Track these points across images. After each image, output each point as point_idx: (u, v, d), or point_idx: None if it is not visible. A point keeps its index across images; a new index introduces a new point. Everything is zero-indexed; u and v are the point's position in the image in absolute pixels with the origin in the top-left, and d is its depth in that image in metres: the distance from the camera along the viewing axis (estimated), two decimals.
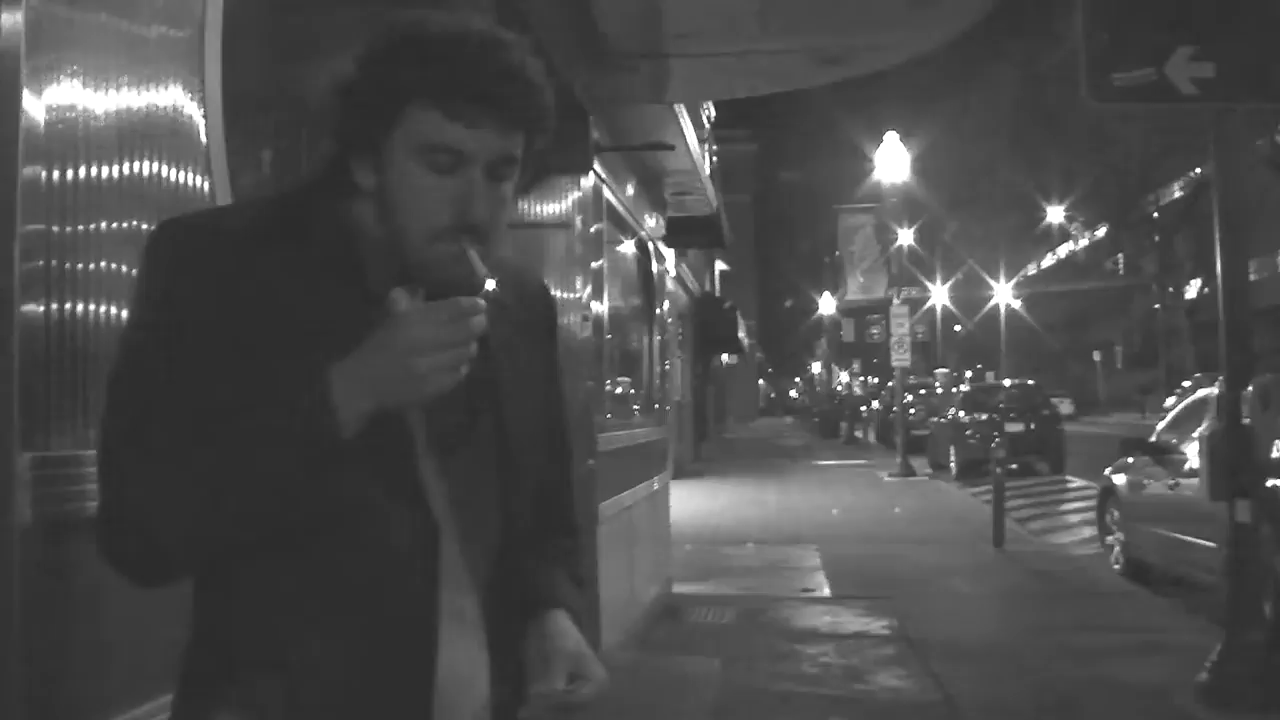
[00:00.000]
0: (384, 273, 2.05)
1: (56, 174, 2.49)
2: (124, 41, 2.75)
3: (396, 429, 1.99)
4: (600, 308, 9.57)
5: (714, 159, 19.12)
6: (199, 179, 3.04)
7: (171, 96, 2.93)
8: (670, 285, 19.95)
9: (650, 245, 13.28)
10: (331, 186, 2.09)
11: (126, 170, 2.74)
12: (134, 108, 2.78)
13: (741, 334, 48.07)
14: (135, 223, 2.76)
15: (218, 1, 3.17)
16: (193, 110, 3.03)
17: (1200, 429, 11.69)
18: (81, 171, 2.57)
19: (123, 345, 2.02)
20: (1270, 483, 8.73)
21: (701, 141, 14.43)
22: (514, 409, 2.23)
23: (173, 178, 2.92)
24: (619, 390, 11.37)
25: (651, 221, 13.31)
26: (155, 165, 2.85)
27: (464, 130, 1.96)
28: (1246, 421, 8.10)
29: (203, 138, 3.07)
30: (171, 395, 1.91)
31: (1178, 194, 55.17)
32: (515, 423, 2.22)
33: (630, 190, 11.59)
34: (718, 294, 47.31)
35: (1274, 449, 9.45)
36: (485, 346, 2.08)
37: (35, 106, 2.42)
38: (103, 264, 2.63)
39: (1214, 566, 9.34)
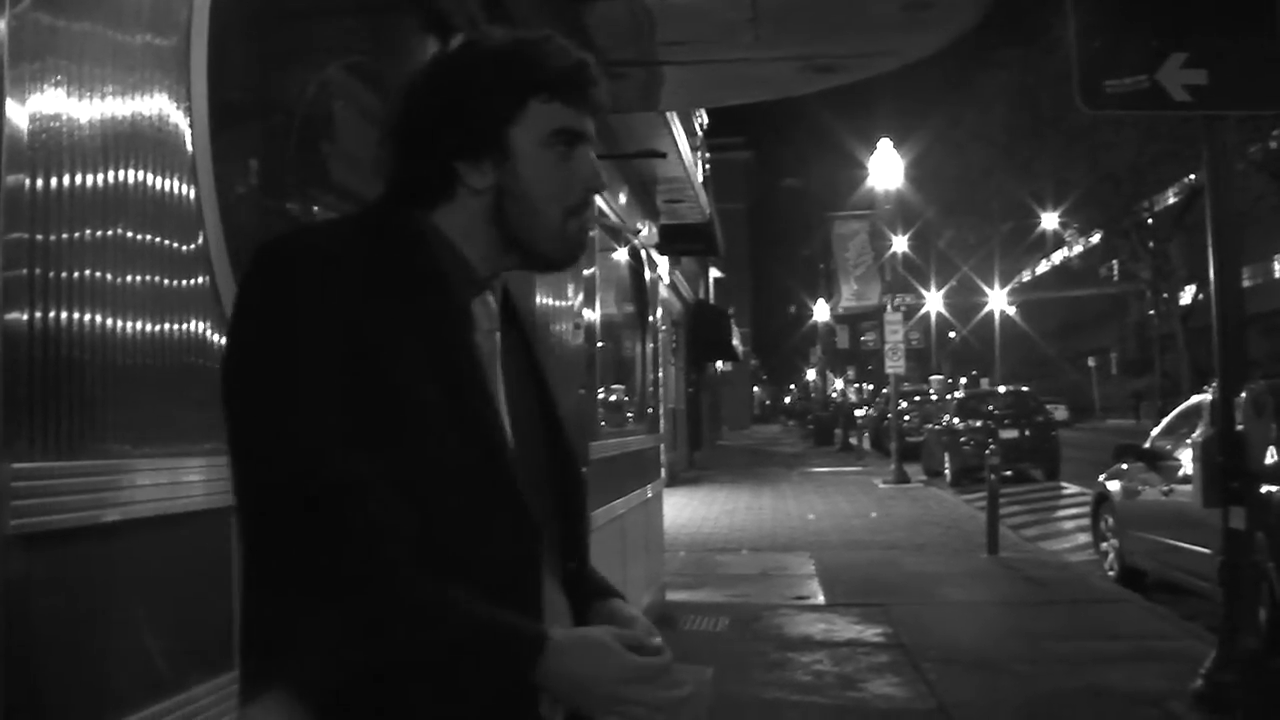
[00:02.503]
0: (463, 281, 2.19)
1: (40, 182, 2.47)
2: (109, 49, 2.74)
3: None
4: (592, 315, 9.55)
5: (707, 167, 19.14)
6: (185, 187, 3.03)
7: (157, 104, 2.92)
8: (664, 293, 19.97)
9: (643, 253, 13.27)
10: (409, 201, 2.21)
11: (111, 178, 2.72)
12: (119, 116, 2.76)
13: (736, 341, 48.10)
14: (120, 231, 2.74)
15: (204, 9, 3.16)
16: (179, 118, 3.02)
17: (1194, 435, 11.69)
18: (66, 180, 2.55)
19: (276, 380, 1.97)
20: (1264, 489, 8.72)
21: (694, 149, 14.42)
22: (561, 419, 2.42)
23: (158, 186, 2.91)
24: (612, 398, 11.35)
25: (644, 229, 13.30)
26: (141, 173, 2.84)
27: (581, 115, 2.22)
28: (1240, 428, 8.10)
29: (189, 146, 3.06)
30: (355, 419, 1.95)
31: (1172, 200, 55.26)
32: (564, 429, 2.42)
33: (622, 198, 11.58)
34: (712, 301, 47.31)
35: (1268, 455, 9.44)
36: (532, 357, 2.41)
37: (19, 114, 2.40)
38: (87, 273, 2.61)
39: (1208, 573, 9.33)
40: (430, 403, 2.01)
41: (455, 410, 2.05)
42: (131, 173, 2.80)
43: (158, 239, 2.89)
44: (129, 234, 2.77)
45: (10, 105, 2.38)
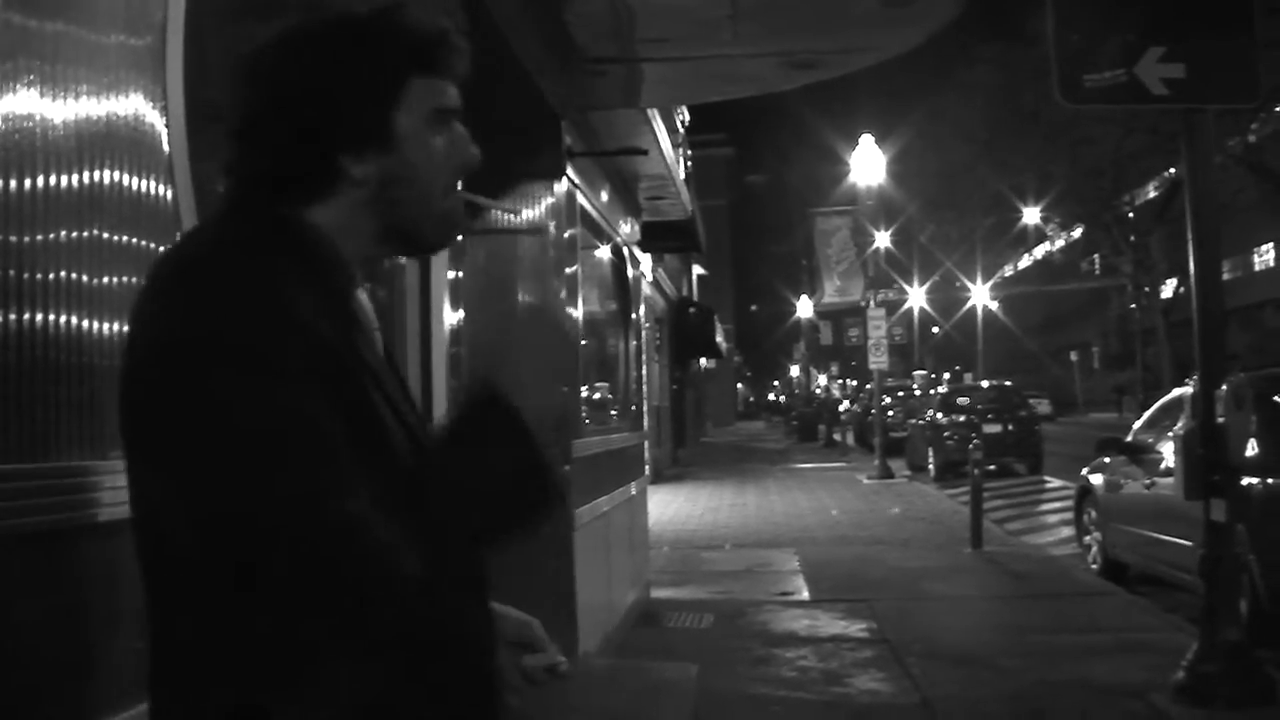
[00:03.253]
0: (339, 275, 2.06)
1: (14, 183, 2.46)
2: (83, 49, 2.73)
3: None
4: (575, 313, 9.54)
5: (689, 164, 19.12)
6: (161, 188, 3.01)
7: (132, 104, 2.91)
8: (647, 290, 19.96)
9: (625, 250, 13.27)
10: (279, 197, 2.04)
11: (86, 179, 2.71)
12: (94, 116, 2.75)
13: (719, 338, 48.10)
14: (95, 232, 2.73)
15: (179, 8, 3.15)
16: (154, 118, 3.01)
17: (1175, 428, 11.72)
18: (40, 180, 2.54)
19: (254, 409, 1.78)
20: (1244, 481, 8.74)
21: (676, 146, 14.41)
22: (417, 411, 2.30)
23: (134, 187, 2.90)
24: (595, 396, 11.34)
25: (626, 226, 13.29)
26: (116, 174, 2.82)
27: (455, 88, 2.12)
28: (1220, 421, 8.12)
29: (165, 146, 3.05)
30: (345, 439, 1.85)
31: (1153, 194, 55.41)
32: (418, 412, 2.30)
33: (604, 195, 11.57)
34: (695, 298, 47.32)
35: (1248, 448, 9.47)
36: (389, 348, 2.25)
37: None
38: (61, 274, 2.60)
39: (1190, 565, 9.35)
40: (381, 416, 1.96)
41: (396, 425, 2.00)
42: (107, 173, 2.79)
43: (134, 240, 2.87)
44: (105, 235, 2.76)
45: None
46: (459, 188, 2.16)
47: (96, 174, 2.75)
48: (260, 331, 1.79)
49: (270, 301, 1.81)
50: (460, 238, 6.37)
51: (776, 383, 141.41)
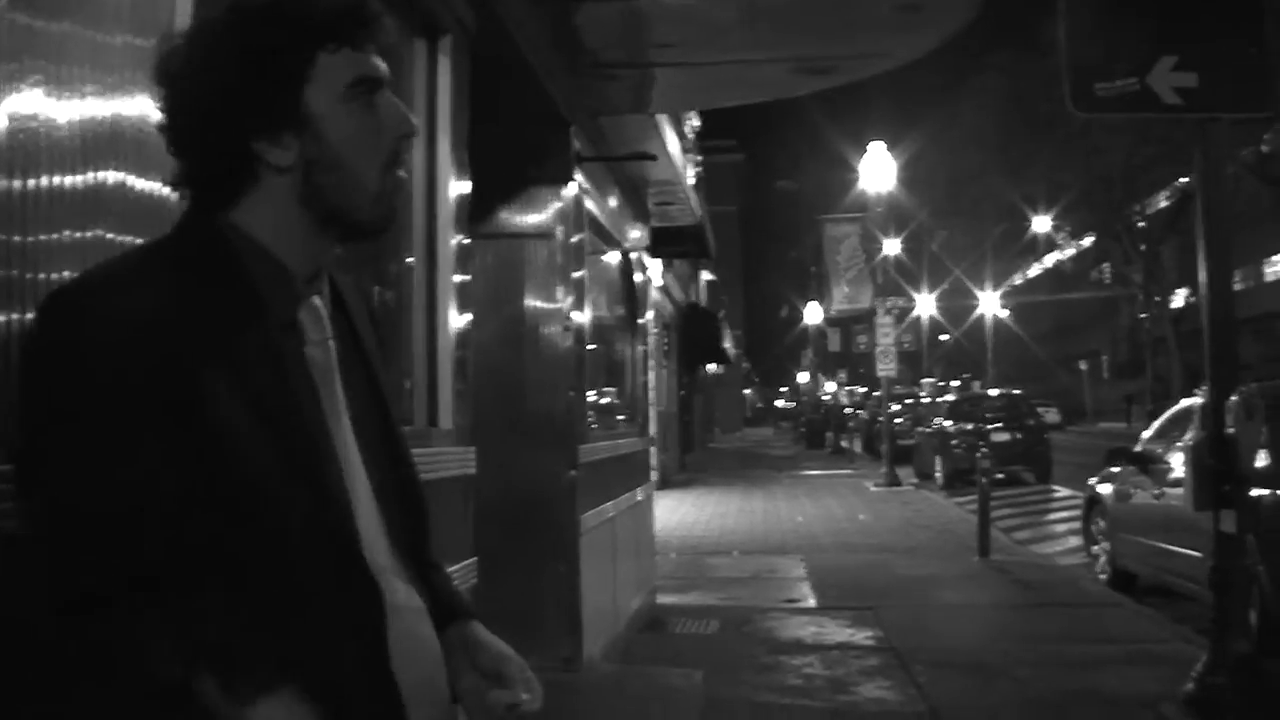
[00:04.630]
0: (282, 296, 1.99)
1: (17, 183, 2.43)
2: (89, 50, 2.70)
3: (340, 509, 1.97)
4: (582, 318, 9.53)
5: (699, 169, 19.10)
6: (166, 190, 2.98)
7: (138, 106, 2.88)
8: (655, 295, 19.94)
9: (633, 255, 13.25)
10: (208, 200, 2.00)
11: (91, 180, 2.69)
12: (99, 117, 2.73)
13: (727, 344, 48.12)
14: (100, 233, 2.71)
15: (186, 9, 3.12)
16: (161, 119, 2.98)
17: (1185, 438, 11.68)
18: (44, 181, 2.52)
19: (66, 463, 1.77)
20: (1254, 493, 8.70)
21: (685, 152, 14.39)
22: (393, 408, 2.25)
23: (139, 188, 2.87)
24: (602, 401, 11.32)
25: (635, 232, 13.28)
26: (121, 175, 2.80)
27: (371, 56, 1.99)
28: (1231, 431, 8.08)
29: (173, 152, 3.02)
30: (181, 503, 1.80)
31: (1164, 204, 55.33)
32: (396, 421, 2.24)
33: (613, 201, 11.56)
34: (703, 304, 47.29)
35: (1258, 459, 9.43)
36: (363, 354, 2.18)
37: None
38: (65, 274, 2.57)
39: (1199, 576, 9.31)
40: (250, 455, 1.84)
41: (282, 458, 1.87)
42: (111, 174, 2.77)
43: (139, 240, 2.84)
44: (109, 235, 2.73)
45: None
46: (395, 163, 2.04)
47: (102, 174, 2.73)
48: (96, 392, 1.77)
49: (121, 350, 1.78)
50: (468, 240, 6.35)
51: (785, 389, 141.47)
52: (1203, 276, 8.41)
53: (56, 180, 2.57)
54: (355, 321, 2.19)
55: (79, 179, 2.66)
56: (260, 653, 1.81)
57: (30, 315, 2.43)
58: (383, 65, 2.01)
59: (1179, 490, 10.92)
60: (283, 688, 1.79)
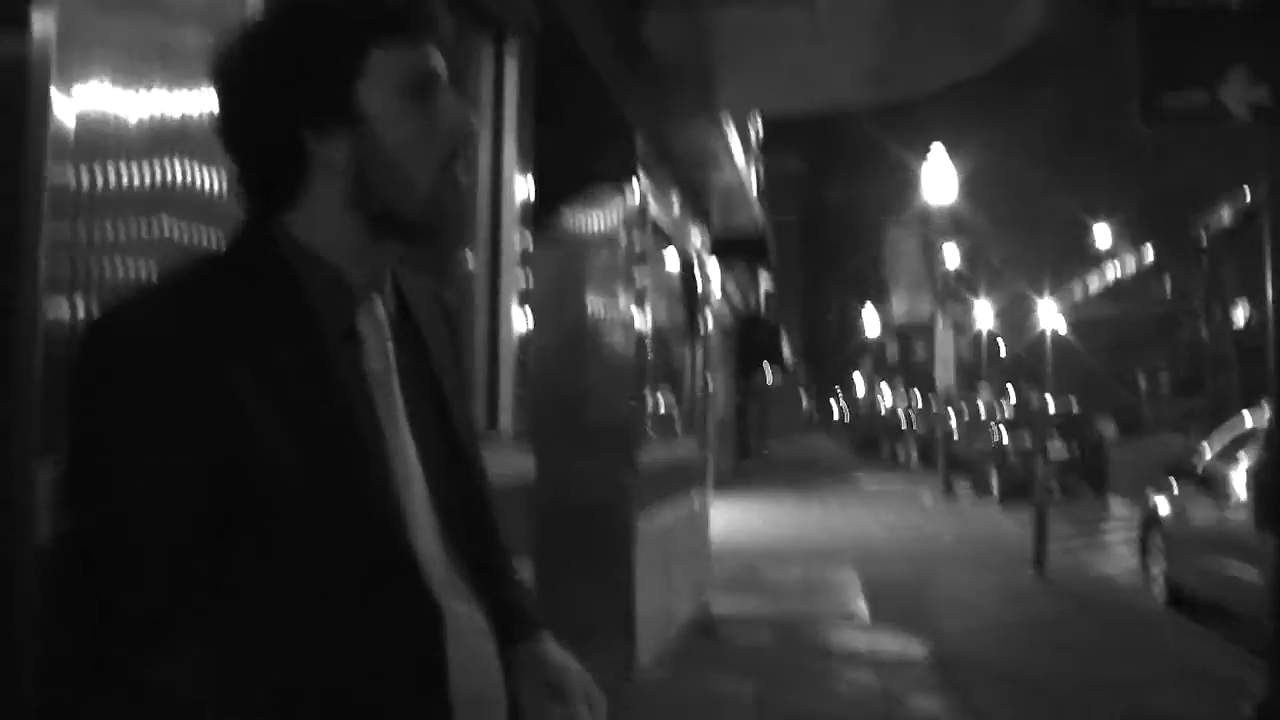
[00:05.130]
0: (339, 303, 1.95)
1: (85, 176, 2.44)
2: (157, 45, 2.72)
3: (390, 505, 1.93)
4: (643, 323, 9.52)
5: (761, 178, 19.08)
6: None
7: (208, 104, 2.89)
8: (715, 301, 19.92)
9: (695, 261, 13.24)
10: (264, 204, 1.96)
11: (158, 175, 2.70)
12: (167, 112, 2.74)
13: (785, 351, 47.99)
14: (166, 227, 2.72)
15: (257, 9, 3.13)
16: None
17: (1246, 458, 11.57)
18: (111, 174, 2.53)
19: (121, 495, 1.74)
20: None
21: (749, 159, 14.37)
22: (458, 414, 2.17)
23: (206, 184, 2.88)
24: (660, 406, 11.32)
25: (696, 237, 13.27)
26: (188, 171, 2.81)
27: (429, 52, 1.94)
28: None
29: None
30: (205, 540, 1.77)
31: (1226, 219, 54.94)
32: (461, 429, 2.17)
33: (675, 205, 11.55)
34: (763, 310, 47.24)
35: None
36: (427, 360, 2.11)
37: (65, 108, 2.39)
38: (130, 266, 2.58)
39: (1259, 597, 9.21)
40: (294, 472, 1.80)
41: (330, 474, 1.83)
42: (179, 169, 2.78)
43: (206, 237, 2.86)
44: (175, 232, 2.74)
45: (56, 98, 2.37)
46: (453, 165, 1.97)
47: (168, 170, 2.74)
48: (127, 416, 1.75)
49: (156, 373, 1.76)
50: (531, 242, 6.35)
51: (842, 398, 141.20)
52: (1270, 294, 8.31)
53: (124, 176, 2.58)
54: (422, 328, 2.14)
55: (147, 174, 2.66)
56: (283, 688, 1.79)
57: (91, 311, 2.45)
58: (441, 62, 1.97)
59: (1240, 509, 10.84)
60: None
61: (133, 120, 2.61)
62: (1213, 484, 12.66)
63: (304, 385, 1.85)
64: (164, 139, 2.72)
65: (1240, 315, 54.94)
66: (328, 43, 1.88)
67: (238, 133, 1.94)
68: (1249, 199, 45.36)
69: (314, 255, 1.93)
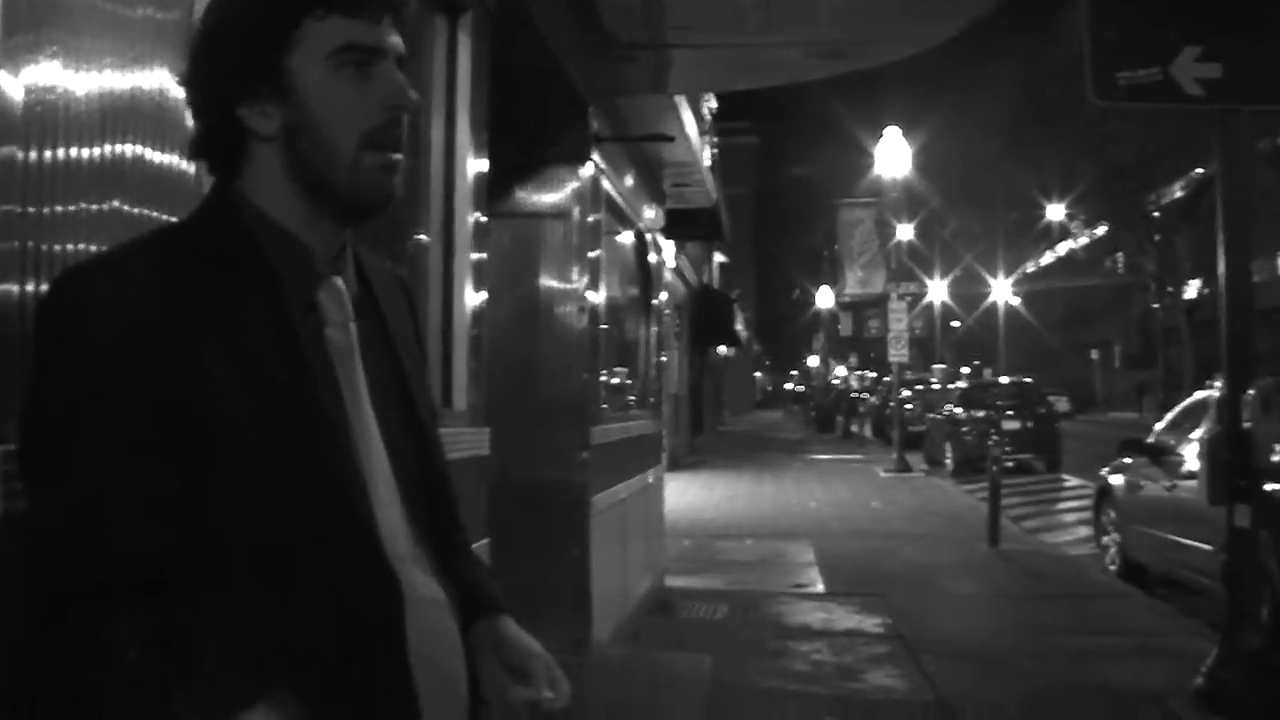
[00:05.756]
0: (302, 272, 1.96)
1: (34, 154, 2.41)
2: (108, 22, 2.68)
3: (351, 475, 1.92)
4: (596, 299, 9.50)
5: (715, 151, 19.07)
6: (185, 163, 2.96)
7: (157, 79, 2.85)
8: (668, 277, 19.93)
9: (648, 236, 13.23)
10: (214, 170, 2.00)
11: (108, 153, 2.66)
12: (117, 90, 2.70)
13: (739, 326, 48.11)
14: (117, 205, 2.68)
15: None
16: (179, 94, 2.95)
17: (1199, 431, 11.65)
18: (60, 153, 2.49)
19: (75, 449, 1.74)
20: (1269, 487, 8.66)
21: (702, 134, 14.35)
22: (419, 395, 2.18)
23: (157, 162, 2.84)
24: (614, 382, 11.30)
25: (650, 213, 13.25)
26: (139, 149, 2.77)
27: (368, 25, 1.93)
28: (1247, 425, 8.05)
29: (189, 122, 2.99)
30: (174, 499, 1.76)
31: (1179, 194, 55.23)
32: (422, 410, 2.18)
33: (629, 181, 11.52)
34: (716, 286, 47.28)
35: (1274, 453, 9.39)
36: (389, 339, 2.12)
37: (12, 86, 2.34)
38: (80, 246, 2.55)
39: (1211, 570, 9.28)
40: (256, 441, 1.81)
41: (291, 444, 1.84)
42: (129, 148, 2.74)
43: (156, 213, 2.82)
44: (126, 208, 2.71)
45: (3, 76, 2.33)
46: (390, 137, 1.97)
47: (118, 148, 2.70)
48: (87, 382, 1.75)
49: (117, 338, 1.76)
50: (485, 218, 6.32)
51: (795, 373, 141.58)
52: (1221, 268, 8.35)
53: (73, 153, 2.55)
54: (382, 305, 2.15)
55: (96, 151, 2.63)
56: (242, 662, 1.77)
57: (44, 289, 2.41)
58: (381, 35, 1.96)
59: (1192, 483, 10.92)
60: (263, 700, 1.75)
61: (82, 97, 2.57)
62: (1165, 458, 12.75)
63: (268, 353, 1.85)
64: (114, 116, 2.68)
65: (1192, 289, 55.32)
66: (260, 13, 1.90)
67: (190, 102, 2.00)
68: (1201, 173, 45.66)
69: (277, 226, 1.95)
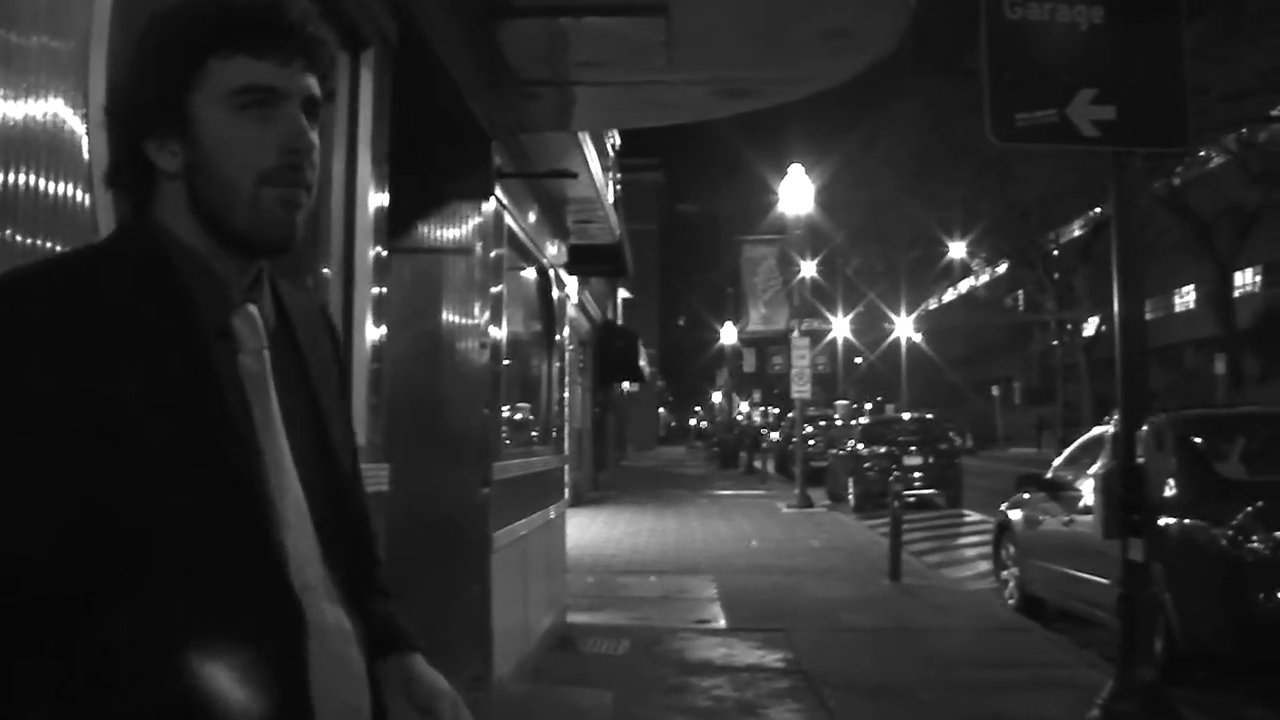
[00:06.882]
0: (214, 299, 1.96)
1: None
2: (1, 50, 2.66)
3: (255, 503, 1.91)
4: (499, 334, 9.49)
5: (618, 187, 19.12)
6: (81, 194, 2.94)
7: (52, 108, 2.84)
8: (572, 312, 19.91)
9: (552, 272, 13.23)
10: (131, 201, 2.00)
11: (0, 181, 2.64)
12: (10, 118, 2.68)
13: (643, 362, 48.11)
14: (9, 234, 2.66)
15: (104, 12, 3.08)
16: (75, 124, 2.94)
17: (1095, 466, 11.78)
18: None
19: None
20: (1162, 522, 8.78)
21: (605, 170, 14.38)
22: (337, 429, 2.18)
23: (52, 192, 2.82)
24: (517, 418, 11.28)
25: (553, 248, 13.26)
26: (32, 179, 2.75)
27: (274, 68, 1.93)
28: (1141, 461, 8.15)
29: (85, 152, 2.97)
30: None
31: (1077, 233, 56.06)
32: (338, 443, 2.17)
33: (532, 217, 11.53)
34: (620, 322, 47.32)
35: (1167, 488, 9.52)
36: (305, 371, 2.11)
37: None
38: None
39: (1106, 603, 9.39)
40: (164, 466, 1.79)
41: (201, 469, 1.83)
42: (23, 176, 2.72)
43: (49, 244, 2.80)
44: (19, 238, 2.68)
45: None
46: (287, 179, 1.95)
47: (11, 177, 2.68)
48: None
49: (23, 356, 1.75)
50: (386, 253, 6.30)
51: (699, 408, 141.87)
52: (1116, 307, 8.48)
53: None
54: (299, 337, 2.14)
55: None
56: (141, 682, 1.76)
57: None
58: (287, 78, 1.95)
59: (1088, 517, 11.03)
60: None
61: None
62: (1062, 493, 12.90)
63: (180, 377, 1.84)
64: (7, 144, 2.66)
65: (1090, 327, 56.09)
66: (165, 53, 1.91)
67: (106, 130, 1.99)
68: (1099, 213, 46.36)
69: (192, 253, 1.95)
